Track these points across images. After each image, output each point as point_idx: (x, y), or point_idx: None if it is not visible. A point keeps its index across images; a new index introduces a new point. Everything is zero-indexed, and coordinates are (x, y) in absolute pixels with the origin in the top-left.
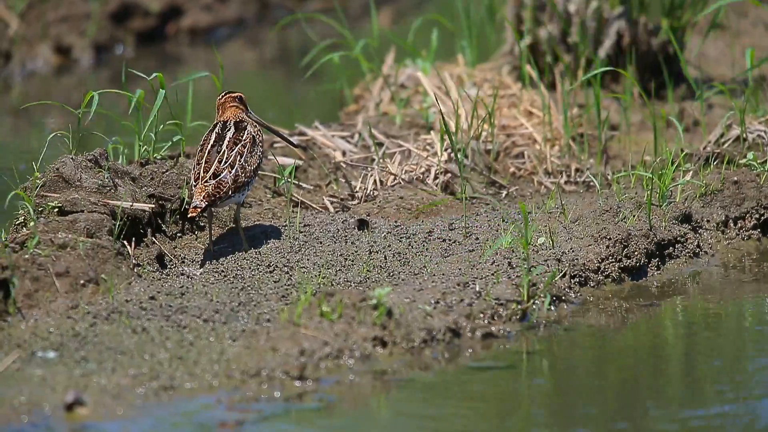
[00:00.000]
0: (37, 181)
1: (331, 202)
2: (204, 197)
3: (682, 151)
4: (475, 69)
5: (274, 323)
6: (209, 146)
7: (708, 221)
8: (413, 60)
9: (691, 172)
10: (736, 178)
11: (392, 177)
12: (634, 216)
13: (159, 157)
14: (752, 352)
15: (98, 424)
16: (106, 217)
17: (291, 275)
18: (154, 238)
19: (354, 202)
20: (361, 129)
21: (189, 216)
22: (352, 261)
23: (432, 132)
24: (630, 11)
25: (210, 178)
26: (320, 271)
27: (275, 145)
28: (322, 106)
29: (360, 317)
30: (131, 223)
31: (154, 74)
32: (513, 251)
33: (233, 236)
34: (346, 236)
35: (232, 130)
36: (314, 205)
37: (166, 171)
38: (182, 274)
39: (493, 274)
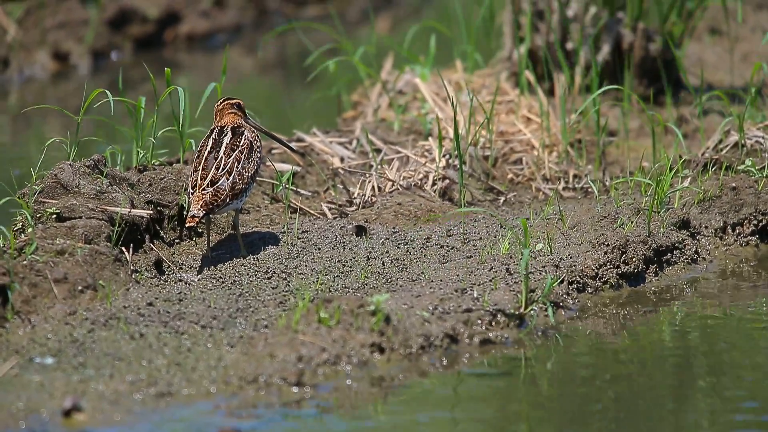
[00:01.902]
0: (35, 187)
1: (329, 209)
2: (201, 206)
3: (680, 157)
4: (473, 75)
5: (272, 329)
6: (206, 152)
7: (706, 227)
8: (411, 66)
9: (689, 179)
10: (734, 185)
11: (390, 183)
12: (632, 222)
13: (157, 163)
14: (750, 357)
15: (96, 430)
16: (105, 223)
17: (289, 281)
18: (152, 245)
19: (352, 209)
20: (359, 135)
21: (187, 225)
22: (350, 267)
23: (430, 138)
24: (628, 17)
25: (207, 186)
26: (318, 278)
27: (273, 151)
28: (320, 112)
29: (358, 323)
30: (129, 230)
31: (186, 84)
32: (511, 257)
33: (231, 242)
34: (344, 242)
35: (229, 135)
36: (312, 212)
37: (164, 177)
38: (180, 281)
39: (491, 281)
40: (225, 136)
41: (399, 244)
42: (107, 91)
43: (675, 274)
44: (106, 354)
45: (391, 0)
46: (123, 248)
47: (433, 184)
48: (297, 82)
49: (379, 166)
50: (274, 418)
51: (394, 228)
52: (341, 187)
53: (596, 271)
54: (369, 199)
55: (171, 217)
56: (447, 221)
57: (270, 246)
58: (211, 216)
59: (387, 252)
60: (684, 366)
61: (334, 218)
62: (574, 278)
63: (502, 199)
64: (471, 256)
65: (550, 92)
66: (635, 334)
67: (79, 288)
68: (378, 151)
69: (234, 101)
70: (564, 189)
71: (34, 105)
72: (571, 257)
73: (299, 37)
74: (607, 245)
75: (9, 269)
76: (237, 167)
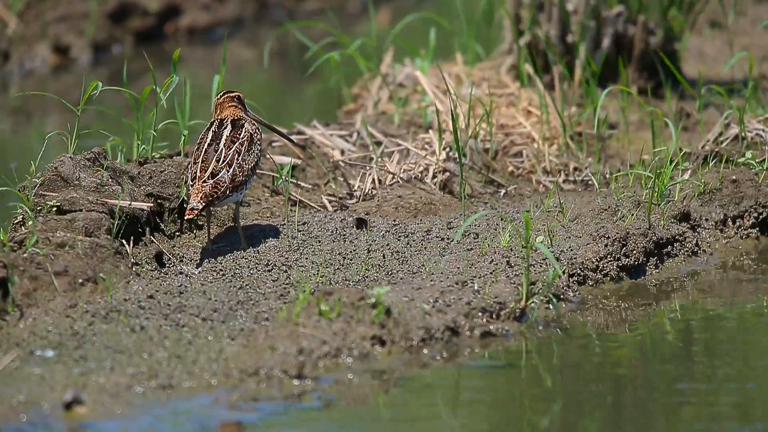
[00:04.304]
0: (36, 180)
1: (330, 201)
2: (201, 198)
3: (680, 150)
4: (473, 68)
5: (273, 322)
6: (206, 144)
7: (706, 220)
8: (411, 59)
9: (689, 171)
10: (734, 177)
11: (391, 176)
12: (632, 215)
13: (158, 155)
14: (750, 350)
15: (97, 423)
16: (105, 216)
17: (289, 274)
18: (152, 237)
19: (352, 201)
20: (360, 128)
21: (186, 218)
22: (351, 260)
23: (430, 131)
24: (629, 10)
25: (208, 178)
26: (319, 270)
27: (273, 144)
28: (320, 105)
29: (358, 316)
30: (130, 222)
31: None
32: (511, 250)
33: (232, 235)
34: (344, 235)
35: (229, 128)
36: (313, 204)
37: (165, 170)
38: (181, 273)
39: (491, 273)
40: (225, 128)
41: (399, 236)
42: (99, 82)
43: (675, 266)
44: (107, 347)
45: None
46: (123, 241)
47: (434, 176)
48: (297, 74)
49: (379, 159)
50: (275, 410)
51: (394, 220)
52: (342, 179)
53: (597, 263)
54: (369, 191)
55: (171, 209)
56: (448, 214)
57: (270, 238)
58: (211, 208)
59: (387, 244)
60: (684, 358)
61: (335, 211)
62: (574, 271)
63: (503, 191)
64: (471, 249)
65: (551, 85)
66: (636, 326)
67: (80, 281)
68: (378, 143)
69: (234, 94)
70: (564, 182)
71: (35, 98)
72: (571, 250)
73: (300, 30)
74: (608, 238)
75: (9, 262)
76: (237, 159)
